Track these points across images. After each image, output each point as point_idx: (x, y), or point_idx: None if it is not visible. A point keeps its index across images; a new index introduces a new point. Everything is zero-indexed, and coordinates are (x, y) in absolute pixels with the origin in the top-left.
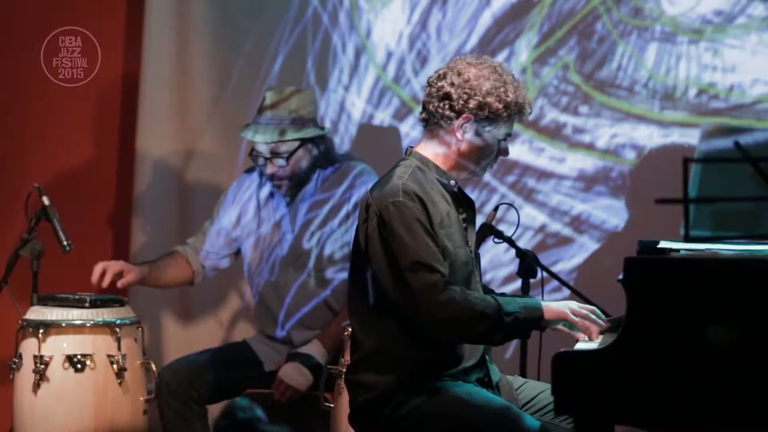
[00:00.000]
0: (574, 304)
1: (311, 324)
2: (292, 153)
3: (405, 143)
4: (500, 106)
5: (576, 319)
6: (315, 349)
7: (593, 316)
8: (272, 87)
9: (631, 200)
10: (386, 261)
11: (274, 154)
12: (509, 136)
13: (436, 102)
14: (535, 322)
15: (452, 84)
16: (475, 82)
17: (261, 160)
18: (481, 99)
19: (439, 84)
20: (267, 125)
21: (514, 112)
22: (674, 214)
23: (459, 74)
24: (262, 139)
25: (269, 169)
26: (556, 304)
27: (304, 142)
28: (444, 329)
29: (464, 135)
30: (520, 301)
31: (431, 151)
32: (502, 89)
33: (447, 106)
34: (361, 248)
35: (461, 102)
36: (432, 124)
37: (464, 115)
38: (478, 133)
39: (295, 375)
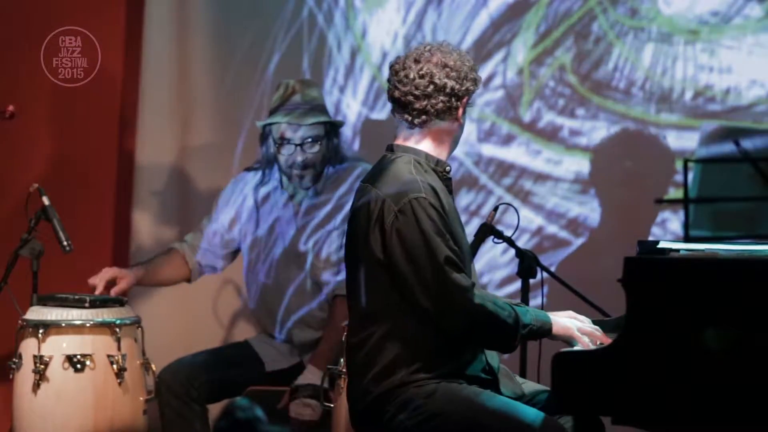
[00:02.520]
0: (578, 321)
1: (311, 323)
2: (322, 137)
3: None
4: (479, 75)
5: (579, 335)
6: (312, 377)
7: (598, 334)
8: (290, 80)
9: (629, 200)
10: (409, 258)
11: (305, 141)
12: None
13: (439, 98)
14: (542, 334)
15: (447, 76)
16: (460, 64)
17: (290, 149)
18: (472, 77)
19: (436, 82)
20: (297, 110)
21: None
22: (671, 214)
23: (444, 65)
24: (300, 121)
25: (299, 157)
26: (563, 320)
27: (329, 128)
28: (468, 331)
29: (462, 117)
30: (532, 313)
31: (427, 145)
32: (470, 61)
33: (451, 97)
34: (371, 247)
35: (464, 87)
36: (430, 121)
37: (465, 99)
38: (465, 111)
39: (303, 411)
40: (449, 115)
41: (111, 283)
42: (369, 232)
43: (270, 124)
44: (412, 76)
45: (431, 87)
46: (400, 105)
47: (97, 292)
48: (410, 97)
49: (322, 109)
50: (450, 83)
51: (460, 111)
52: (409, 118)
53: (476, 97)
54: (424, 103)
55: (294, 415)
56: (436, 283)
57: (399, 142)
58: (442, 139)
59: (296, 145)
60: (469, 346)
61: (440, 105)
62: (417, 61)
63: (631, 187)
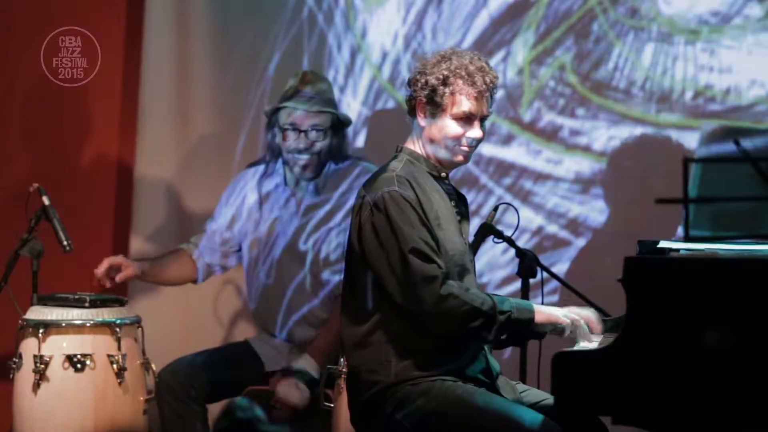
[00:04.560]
0: (566, 310)
1: (312, 321)
2: (328, 129)
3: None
4: (442, 75)
5: (566, 320)
6: (307, 364)
7: (582, 322)
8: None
9: (630, 200)
10: (381, 249)
11: (312, 128)
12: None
13: (407, 95)
14: (525, 323)
15: (413, 72)
16: (425, 62)
17: (295, 135)
18: (425, 78)
19: (408, 78)
20: (310, 99)
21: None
22: (673, 214)
23: (419, 62)
24: (310, 108)
25: (302, 143)
26: (548, 308)
27: (335, 122)
28: (439, 321)
29: (424, 117)
30: (513, 301)
31: (416, 144)
32: (444, 62)
33: (411, 93)
34: (353, 241)
35: (418, 85)
36: (410, 117)
37: (420, 96)
38: (431, 111)
39: (293, 392)
40: (414, 113)
41: (115, 270)
42: (352, 229)
43: (280, 108)
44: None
45: (408, 85)
46: None
47: (100, 271)
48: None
49: (331, 102)
50: (411, 79)
51: (418, 108)
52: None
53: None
54: (406, 98)
55: (281, 395)
56: (403, 273)
57: (405, 143)
58: (421, 138)
59: (302, 131)
60: (444, 336)
61: (406, 102)
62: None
63: (631, 187)
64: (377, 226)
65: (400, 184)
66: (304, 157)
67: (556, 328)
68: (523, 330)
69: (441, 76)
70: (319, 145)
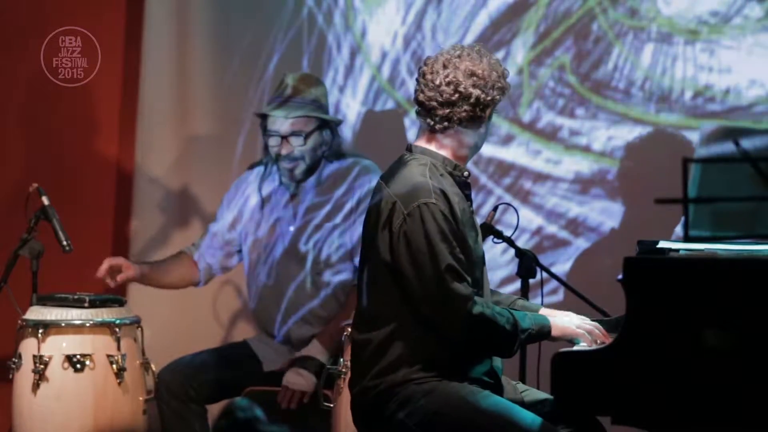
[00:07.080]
0: (577, 319)
1: (313, 322)
2: (310, 133)
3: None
4: (507, 83)
5: (580, 331)
6: (314, 350)
7: (597, 331)
8: (291, 73)
9: (629, 200)
10: (413, 262)
11: (292, 133)
12: None
13: (463, 107)
14: (542, 337)
15: (474, 85)
16: (487, 73)
17: (275, 140)
18: (500, 85)
19: (461, 91)
20: (289, 104)
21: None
22: (673, 214)
23: (471, 74)
24: (284, 114)
25: (284, 150)
26: (562, 321)
27: (322, 124)
28: (468, 338)
29: (485, 125)
30: (530, 317)
31: (445, 149)
32: (499, 68)
33: (476, 107)
34: (378, 247)
35: (489, 97)
36: (452, 127)
37: (490, 108)
38: (490, 117)
39: (296, 379)
40: (472, 124)
41: (116, 271)
42: (377, 233)
43: (260, 114)
44: (438, 81)
45: (456, 95)
46: (424, 109)
47: (101, 273)
48: (434, 103)
49: (314, 104)
50: (475, 93)
51: (485, 120)
52: (432, 123)
53: (505, 104)
54: (447, 110)
55: (286, 382)
56: (437, 290)
57: (418, 143)
58: (461, 146)
59: (281, 137)
60: (468, 349)
61: (464, 114)
62: (445, 67)
63: (631, 187)
64: (411, 237)
65: (437, 196)
66: (286, 163)
67: (567, 338)
68: (537, 342)
69: (500, 86)
70: (301, 150)
